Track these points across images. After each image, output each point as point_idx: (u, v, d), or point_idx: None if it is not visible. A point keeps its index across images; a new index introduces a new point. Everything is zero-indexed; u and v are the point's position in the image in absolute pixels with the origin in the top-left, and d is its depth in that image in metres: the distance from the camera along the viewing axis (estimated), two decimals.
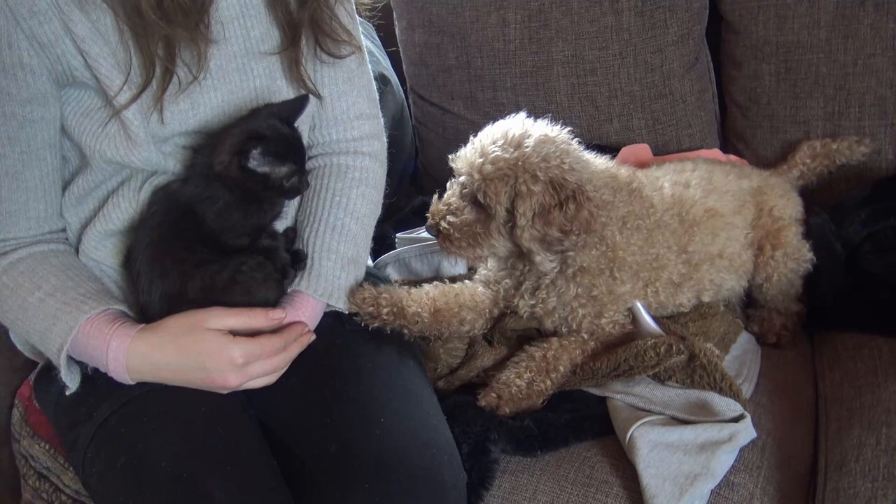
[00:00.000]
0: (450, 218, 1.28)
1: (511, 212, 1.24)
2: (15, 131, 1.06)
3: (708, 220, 1.39)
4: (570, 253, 1.27)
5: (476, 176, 1.24)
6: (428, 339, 1.36)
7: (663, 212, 1.36)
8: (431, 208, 1.32)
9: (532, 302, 1.35)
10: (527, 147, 1.23)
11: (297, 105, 1.15)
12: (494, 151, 1.24)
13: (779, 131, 1.73)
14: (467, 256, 1.32)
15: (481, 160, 1.24)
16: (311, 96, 1.20)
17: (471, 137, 1.30)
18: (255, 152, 1.08)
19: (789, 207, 1.51)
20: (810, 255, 1.48)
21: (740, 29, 1.73)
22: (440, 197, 1.33)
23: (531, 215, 1.22)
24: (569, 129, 1.30)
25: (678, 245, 1.37)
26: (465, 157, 1.28)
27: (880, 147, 1.65)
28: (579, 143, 1.31)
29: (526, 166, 1.22)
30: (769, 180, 1.54)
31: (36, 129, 1.08)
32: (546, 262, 1.26)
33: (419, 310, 1.29)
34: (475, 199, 1.26)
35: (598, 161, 1.35)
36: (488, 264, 1.41)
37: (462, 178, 1.28)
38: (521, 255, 1.31)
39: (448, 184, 1.33)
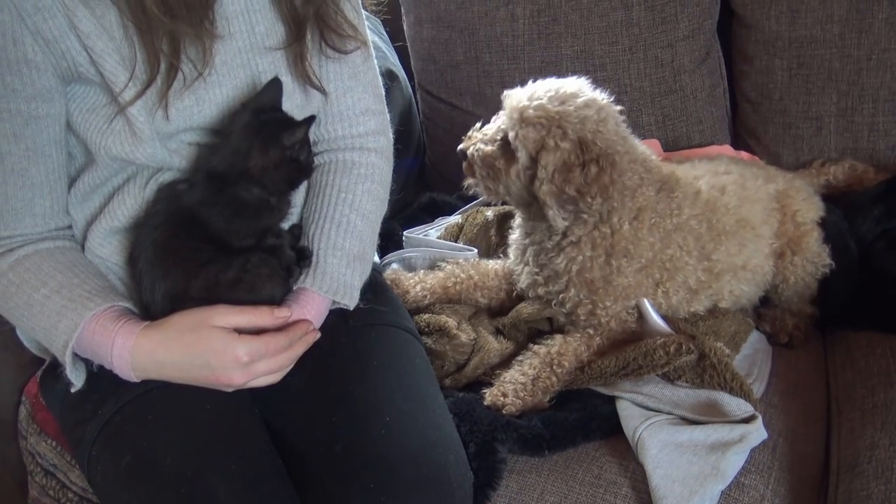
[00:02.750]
0: (480, 146, 1.35)
1: (534, 160, 1.28)
2: (20, 128, 1.06)
3: (738, 230, 1.39)
4: (584, 215, 1.29)
5: (515, 116, 1.29)
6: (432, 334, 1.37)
7: (690, 216, 1.35)
8: (470, 133, 1.39)
9: (535, 270, 1.38)
10: (571, 104, 1.27)
11: (276, 90, 1.14)
12: (541, 100, 1.28)
13: (791, 127, 1.72)
14: (485, 186, 1.37)
15: (527, 103, 1.28)
16: (314, 91, 1.20)
17: (530, 81, 1.34)
18: (286, 134, 1.10)
19: (811, 212, 1.49)
20: (829, 259, 1.47)
21: (752, 23, 1.71)
22: (482, 127, 1.39)
23: (552, 170, 1.25)
24: (621, 108, 1.34)
25: (700, 251, 1.35)
26: (515, 97, 1.32)
27: (894, 143, 1.63)
28: (624, 119, 1.34)
29: (561, 123, 1.25)
30: (793, 182, 1.53)
31: (41, 126, 1.07)
32: (558, 218, 1.29)
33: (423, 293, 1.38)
34: (506, 137, 1.31)
35: (641, 148, 1.37)
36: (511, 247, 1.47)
37: (502, 112, 1.33)
38: (530, 204, 1.35)
39: (494, 117, 1.38)
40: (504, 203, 1.51)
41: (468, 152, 1.36)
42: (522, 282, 1.42)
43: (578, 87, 1.31)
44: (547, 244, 1.36)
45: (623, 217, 1.30)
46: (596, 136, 1.26)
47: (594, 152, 1.25)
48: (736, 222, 1.38)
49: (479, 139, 1.36)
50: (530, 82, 1.34)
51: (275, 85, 1.13)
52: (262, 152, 1.09)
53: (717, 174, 1.44)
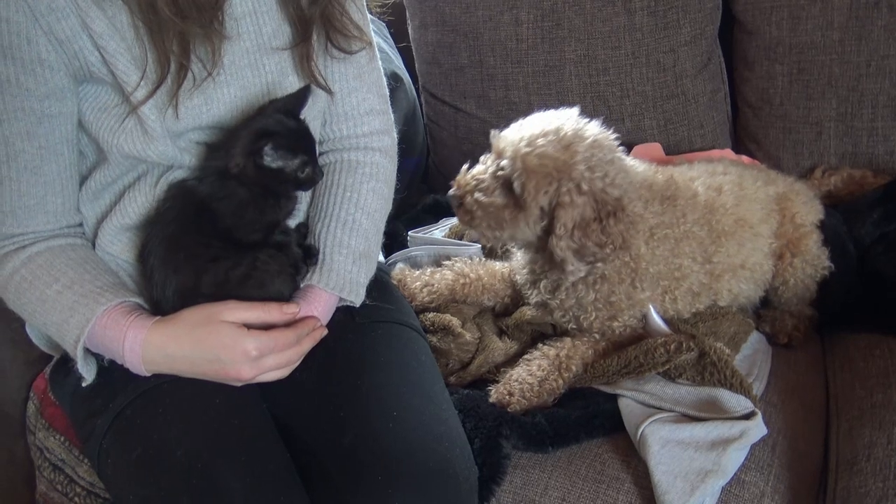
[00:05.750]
0: (478, 195, 1.26)
1: (545, 211, 1.23)
2: (34, 126, 1.07)
3: (736, 230, 1.38)
4: (599, 264, 1.26)
5: (519, 164, 1.22)
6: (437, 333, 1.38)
7: (693, 222, 1.34)
8: (458, 178, 1.30)
9: (548, 296, 1.35)
10: (577, 150, 1.21)
11: (301, 97, 1.15)
12: (543, 145, 1.21)
13: (791, 132, 1.73)
14: (484, 236, 1.30)
15: (528, 149, 1.22)
16: (319, 91, 1.21)
17: (520, 120, 1.28)
18: (267, 148, 1.09)
19: (811, 214, 1.49)
20: (828, 262, 1.48)
21: (753, 29, 1.73)
22: (469, 168, 1.31)
23: (571, 226, 1.21)
24: (614, 132, 1.28)
25: (703, 255, 1.36)
26: (510, 140, 1.25)
27: (893, 148, 1.64)
28: (622, 148, 1.29)
29: (573, 175, 1.20)
30: (794, 186, 1.53)
31: (54, 125, 1.09)
32: (578, 271, 1.25)
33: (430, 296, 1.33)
34: (509, 185, 1.24)
35: (639, 169, 1.33)
36: (516, 255, 1.42)
37: (505, 162, 1.24)
38: (540, 248, 1.31)
39: (482, 158, 1.30)
40: (503, 245, 1.44)
41: (465, 202, 1.27)
42: (531, 299, 1.40)
43: (576, 125, 1.24)
44: (566, 282, 1.32)
45: (639, 241, 1.29)
46: (606, 184, 1.21)
47: (609, 204, 1.21)
48: (734, 222, 1.38)
49: (474, 186, 1.26)
50: (520, 120, 1.27)
51: (303, 91, 1.15)
52: (239, 154, 1.10)
53: (713, 174, 1.44)
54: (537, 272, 1.37)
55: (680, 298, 1.36)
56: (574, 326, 1.36)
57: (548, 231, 1.25)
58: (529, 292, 1.40)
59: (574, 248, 1.22)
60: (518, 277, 1.44)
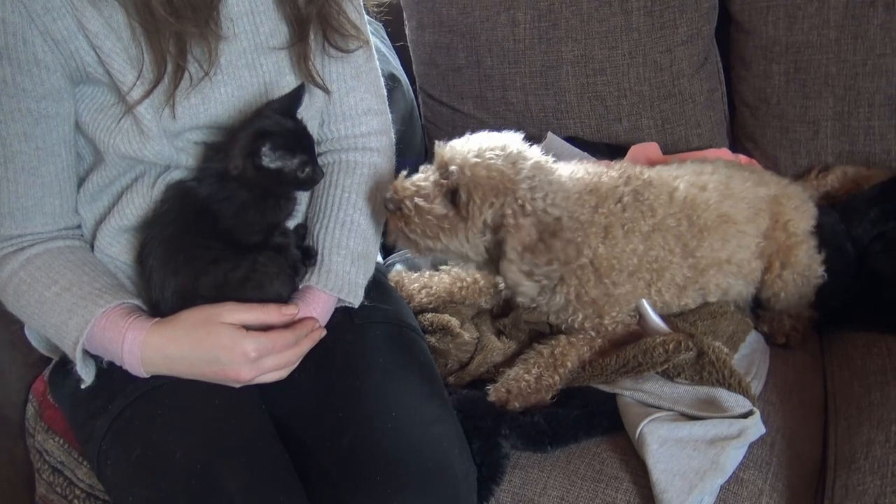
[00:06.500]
0: (417, 200, 1.23)
1: (487, 225, 1.23)
2: (31, 127, 1.07)
3: (720, 225, 1.39)
4: (545, 282, 1.27)
5: (467, 174, 1.22)
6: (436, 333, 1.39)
7: (667, 215, 1.35)
8: (396, 183, 1.26)
9: (533, 306, 1.37)
10: (522, 168, 1.22)
11: (296, 96, 1.15)
12: (491, 159, 1.22)
13: (788, 131, 1.73)
14: (415, 245, 1.27)
15: (477, 160, 1.22)
16: (317, 91, 1.21)
17: (467, 134, 1.28)
18: (265, 149, 1.09)
19: (804, 221, 1.49)
20: (821, 269, 1.48)
21: (750, 29, 1.73)
22: (408, 175, 1.29)
23: (521, 250, 1.22)
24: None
25: (683, 248, 1.36)
26: (459, 151, 1.25)
27: (889, 147, 1.65)
28: (559, 167, 1.31)
29: (517, 194, 1.21)
30: (787, 189, 1.52)
31: (51, 125, 1.09)
32: (531, 290, 1.27)
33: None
34: (451, 195, 1.24)
35: (579, 175, 1.34)
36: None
37: (453, 168, 1.23)
38: (482, 265, 1.32)
39: (422, 167, 1.29)
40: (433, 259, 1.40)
41: (404, 206, 1.24)
42: (523, 303, 1.41)
43: (520, 146, 1.26)
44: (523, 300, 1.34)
45: (592, 243, 1.30)
46: (547, 204, 1.23)
47: (551, 225, 1.22)
48: (717, 217, 1.39)
49: (414, 192, 1.24)
50: (466, 135, 1.28)
51: (298, 91, 1.15)
52: (238, 155, 1.10)
53: (701, 174, 1.44)
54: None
55: (665, 291, 1.37)
56: (567, 327, 1.36)
57: (488, 248, 1.26)
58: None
59: (526, 270, 1.23)
60: (500, 285, 1.46)
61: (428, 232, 1.24)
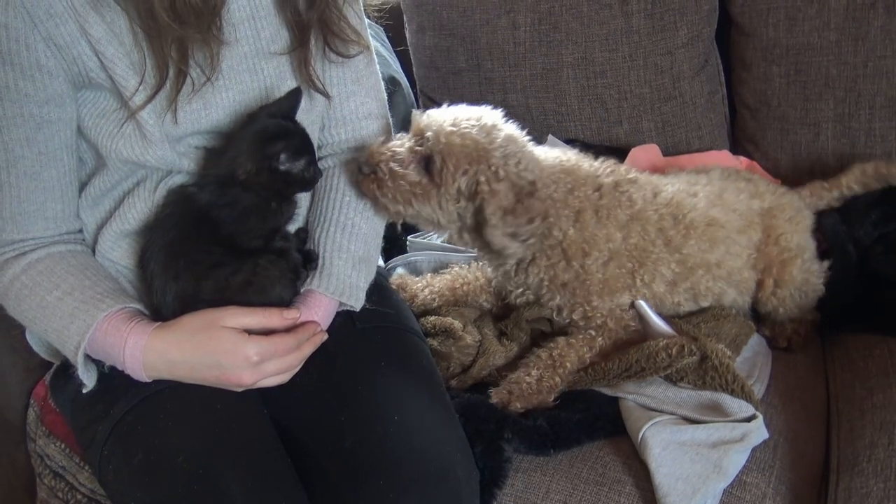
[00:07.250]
0: (392, 165, 1.24)
1: (461, 193, 1.26)
2: (33, 132, 1.07)
3: (707, 227, 1.40)
4: (531, 240, 1.29)
5: (442, 140, 1.24)
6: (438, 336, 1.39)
7: (647, 207, 1.37)
8: (372, 148, 1.27)
9: (520, 290, 1.40)
10: (495, 138, 1.25)
11: (293, 99, 1.16)
12: (466, 128, 1.25)
13: (789, 133, 1.73)
14: (386, 210, 1.27)
15: (453, 128, 1.25)
16: (318, 95, 1.21)
17: (445, 104, 1.31)
18: (283, 156, 1.10)
19: (797, 234, 1.48)
20: (820, 282, 1.48)
21: (750, 31, 1.73)
22: (384, 142, 1.29)
23: (501, 213, 1.24)
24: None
25: (666, 241, 1.37)
26: (435, 118, 1.28)
27: (890, 148, 1.65)
28: (533, 143, 1.34)
29: (490, 161, 1.24)
30: (782, 199, 1.52)
31: (53, 130, 1.09)
32: (520, 251, 1.30)
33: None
34: (427, 162, 1.26)
35: (554, 155, 1.38)
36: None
37: (429, 135, 1.25)
38: (460, 232, 1.35)
39: (399, 135, 1.31)
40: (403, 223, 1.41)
41: (376, 169, 1.24)
42: (512, 297, 1.44)
43: (495, 118, 1.29)
44: (508, 268, 1.38)
45: (563, 225, 1.32)
46: (520, 169, 1.26)
47: (525, 187, 1.26)
48: (704, 218, 1.40)
49: (389, 157, 1.25)
50: (444, 105, 1.31)
51: (293, 94, 1.15)
52: (248, 160, 1.10)
53: (694, 184, 1.46)
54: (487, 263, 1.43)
55: (652, 282, 1.38)
56: (563, 317, 1.38)
57: (461, 215, 1.30)
58: (503, 286, 1.45)
59: (510, 232, 1.26)
60: (494, 282, 1.48)
61: (399, 197, 1.26)
